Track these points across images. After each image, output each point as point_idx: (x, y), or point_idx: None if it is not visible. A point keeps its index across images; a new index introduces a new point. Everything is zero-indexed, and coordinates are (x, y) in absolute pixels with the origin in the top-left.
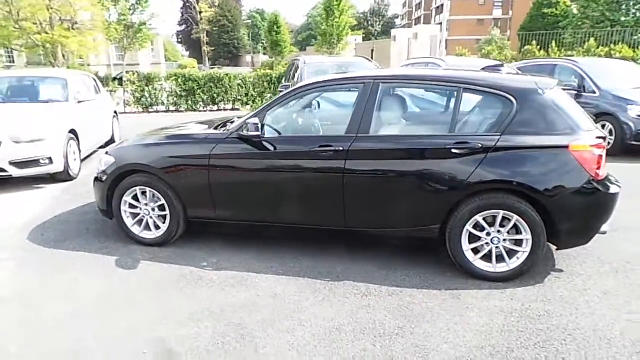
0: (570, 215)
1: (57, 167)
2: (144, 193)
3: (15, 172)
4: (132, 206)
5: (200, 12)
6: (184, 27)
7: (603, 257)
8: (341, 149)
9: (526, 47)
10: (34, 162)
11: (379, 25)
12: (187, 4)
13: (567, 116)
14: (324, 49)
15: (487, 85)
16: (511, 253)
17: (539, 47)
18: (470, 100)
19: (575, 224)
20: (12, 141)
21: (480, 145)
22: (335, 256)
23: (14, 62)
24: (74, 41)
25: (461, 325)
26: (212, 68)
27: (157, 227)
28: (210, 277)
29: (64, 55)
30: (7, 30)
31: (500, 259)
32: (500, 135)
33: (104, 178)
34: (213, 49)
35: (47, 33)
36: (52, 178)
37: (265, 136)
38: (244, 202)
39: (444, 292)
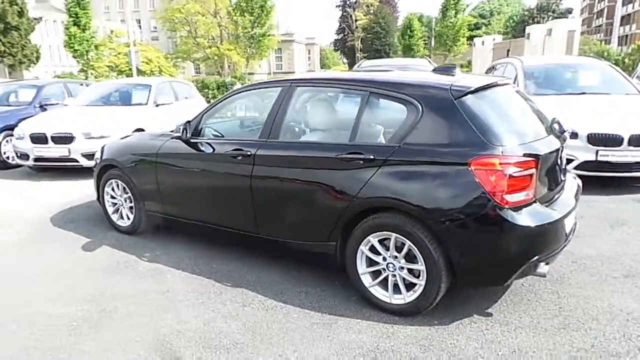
0: (466, 247)
1: None
2: (118, 185)
3: (85, 162)
4: (112, 196)
5: (356, 21)
6: (341, 35)
7: (569, 308)
8: (249, 153)
9: None
10: None
11: (547, 22)
12: (345, 14)
13: (482, 126)
14: (437, 52)
15: (394, 89)
16: (411, 285)
17: None
18: (378, 105)
19: (474, 259)
20: (84, 137)
21: (373, 157)
22: (259, 263)
23: (199, 72)
24: (235, 53)
25: (298, 353)
26: None
27: (128, 217)
28: (139, 266)
29: (228, 66)
30: (187, 46)
31: (397, 289)
32: (398, 147)
33: (94, 170)
34: (365, 55)
35: (217, 47)
36: None
37: (197, 138)
38: (181, 200)
39: (324, 316)
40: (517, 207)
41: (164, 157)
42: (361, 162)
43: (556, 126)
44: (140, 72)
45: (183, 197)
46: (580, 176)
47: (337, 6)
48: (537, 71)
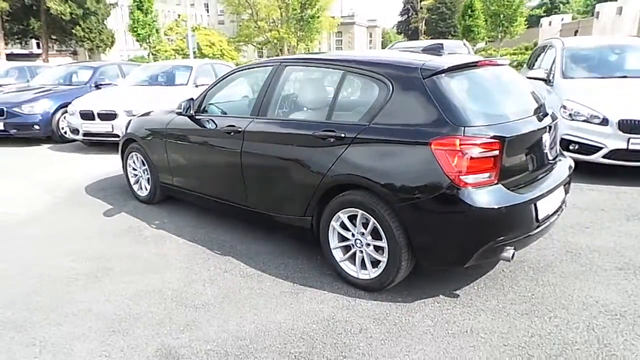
0: (424, 226)
1: None
2: (137, 158)
3: None
4: (133, 168)
5: (421, 1)
6: (405, 17)
7: (541, 296)
8: (240, 129)
9: None
10: None
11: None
12: None
13: (447, 105)
14: (492, 34)
15: (367, 68)
16: (377, 261)
17: None
18: (353, 84)
19: (432, 239)
20: (126, 114)
21: (343, 135)
22: (253, 235)
23: (262, 56)
24: (293, 37)
25: (257, 316)
26: None
27: (146, 188)
28: (146, 232)
29: (288, 50)
30: (249, 29)
31: (364, 264)
32: (367, 125)
33: (119, 143)
34: (429, 37)
35: (277, 31)
36: None
37: (198, 114)
38: (185, 172)
39: (295, 285)
40: (477, 189)
41: (171, 131)
42: (332, 140)
43: (547, 109)
44: (203, 55)
45: (186, 169)
46: (610, 165)
47: None
48: (579, 53)
